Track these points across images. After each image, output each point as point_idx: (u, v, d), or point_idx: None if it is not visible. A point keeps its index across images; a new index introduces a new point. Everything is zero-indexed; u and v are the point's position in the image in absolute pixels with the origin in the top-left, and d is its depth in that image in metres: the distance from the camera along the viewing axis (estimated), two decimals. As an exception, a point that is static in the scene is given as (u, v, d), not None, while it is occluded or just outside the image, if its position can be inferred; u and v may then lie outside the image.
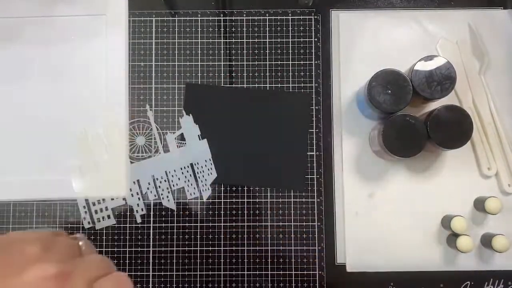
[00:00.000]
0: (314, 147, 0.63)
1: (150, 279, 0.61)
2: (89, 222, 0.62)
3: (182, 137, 0.63)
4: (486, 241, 0.59)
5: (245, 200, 0.63)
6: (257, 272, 0.61)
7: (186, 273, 0.62)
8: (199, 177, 0.62)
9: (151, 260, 0.62)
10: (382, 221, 0.61)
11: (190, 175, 0.62)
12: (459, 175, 0.62)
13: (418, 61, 0.56)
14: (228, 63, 0.65)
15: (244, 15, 0.65)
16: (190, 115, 0.63)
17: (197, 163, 0.62)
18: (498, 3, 0.65)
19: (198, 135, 0.63)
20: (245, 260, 0.62)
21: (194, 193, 0.62)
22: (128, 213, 0.62)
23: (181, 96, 0.64)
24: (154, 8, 0.66)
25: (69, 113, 0.64)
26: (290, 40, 0.65)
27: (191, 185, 0.62)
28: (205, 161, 0.62)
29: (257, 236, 0.62)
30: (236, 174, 0.63)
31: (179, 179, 0.62)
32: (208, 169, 0.62)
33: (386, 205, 0.62)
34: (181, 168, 0.62)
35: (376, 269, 0.61)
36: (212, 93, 0.64)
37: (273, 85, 0.64)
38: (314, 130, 0.64)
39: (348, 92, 0.64)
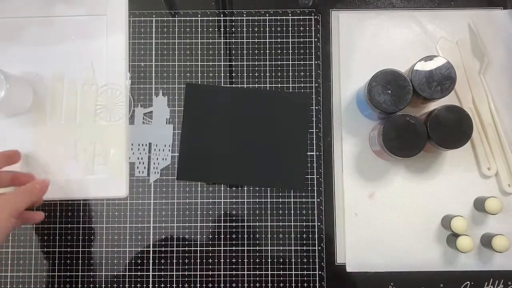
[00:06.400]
0: (314, 147, 0.63)
1: (150, 279, 0.61)
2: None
3: (151, 116, 0.64)
4: (486, 241, 0.59)
5: (245, 200, 0.63)
6: (257, 272, 0.61)
7: (186, 273, 0.62)
8: (152, 159, 0.63)
9: (151, 260, 0.62)
10: (382, 221, 0.61)
11: (146, 153, 0.63)
12: (459, 175, 0.62)
13: (418, 61, 0.56)
14: (228, 63, 0.65)
15: (244, 15, 0.65)
16: (166, 96, 0.63)
17: (156, 145, 0.63)
18: (498, 3, 0.65)
19: (167, 119, 0.63)
20: (245, 260, 0.62)
21: (142, 172, 0.63)
22: (128, 213, 0.62)
23: (181, 96, 0.64)
24: (154, 8, 0.66)
25: (69, 113, 0.64)
26: (290, 40, 0.65)
27: (142, 163, 0.63)
28: (164, 145, 0.63)
29: (257, 236, 0.62)
30: (236, 174, 0.62)
31: (133, 153, 0.63)
32: (164, 155, 0.63)
33: (386, 205, 0.62)
34: (139, 144, 0.63)
35: (376, 269, 0.61)
36: (212, 93, 0.64)
37: (273, 85, 0.64)
38: (314, 130, 0.64)
39: (348, 92, 0.64)
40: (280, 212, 0.62)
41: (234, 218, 0.62)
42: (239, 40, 0.65)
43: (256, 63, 0.65)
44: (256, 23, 0.65)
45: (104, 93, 0.64)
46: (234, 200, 0.63)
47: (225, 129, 0.63)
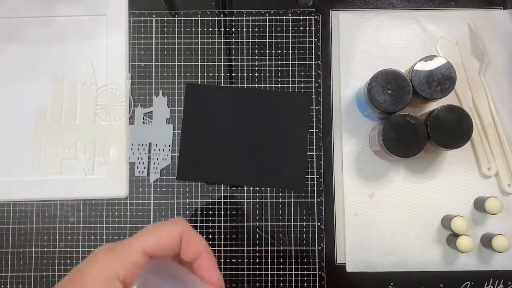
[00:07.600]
0: (314, 147, 0.63)
1: (150, 279, 0.61)
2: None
3: (151, 116, 0.64)
4: (486, 241, 0.59)
5: (245, 200, 0.63)
6: (257, 272, 0.61)
7: (186, 273, 0.61)
8: (152, 159, 0.63)
9: (151, 260, 0.62)
10: (382, 221, 0.61)
11: (146, 153, 0.63)
12: (459, 175, 0.62)
13: (418, 61, 0.56)
14: (228, 63, 0.65)
15: (244, 15, 0.65)
16: (166, 96, 0.64)
17: (156, 145, 0.63)
18: (498, 3, 0.65)
19: (167, 119, 0.64)
20: (245, 260, 0.62)
21: (142, 172, 0.63)
22: (128, 213, 0.62)
23: (181, 96, 0.64)
24: (154, 8, 0.66)
25: (69, 113, 0.64)
26: (290, 40, 0.65)
27: (142, 163, 0.63)
28: (164, 145, 0.63)
29: (257, 236, 0.62)
30: (236, 174, 0.62)
31: (133, 153, 0.63)
32: (164, 155, 0.63)
33: (386, 205, 0.62)
34: (138, 144, 0.63)
35: (376, 269, 0.61)
36: (212, 93, 0.64)
37: (273, 85, 0.64)
38: (314, 130, 0.64)
39: (348, 92, 0.64)
40: (280, 212, 0.62)
41: (234, 218, 0.62)
42: (239, 40, 0.65)
43: (256, 63, 0.65)
44: (256, 23, 0.65)
45: (104, 93, 0.64)
46: (234, 200, 0.63)
47: (225, 129, 0.63)
